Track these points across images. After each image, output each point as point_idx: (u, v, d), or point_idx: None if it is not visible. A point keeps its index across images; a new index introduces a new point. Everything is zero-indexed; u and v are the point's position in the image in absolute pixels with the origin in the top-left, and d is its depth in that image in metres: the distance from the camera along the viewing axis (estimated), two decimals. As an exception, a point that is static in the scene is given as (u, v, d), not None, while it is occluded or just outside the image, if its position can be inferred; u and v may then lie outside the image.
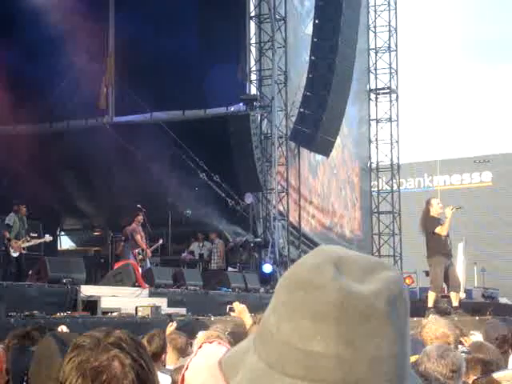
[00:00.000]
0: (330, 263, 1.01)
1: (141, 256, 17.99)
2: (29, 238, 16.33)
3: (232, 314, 7.67)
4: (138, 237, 17.98)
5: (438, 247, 12.81)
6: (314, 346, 0.98)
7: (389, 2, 30.05)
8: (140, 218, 18.17)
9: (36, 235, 17.03)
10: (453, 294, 13.31)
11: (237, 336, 7.20)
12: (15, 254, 15.76)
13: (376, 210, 30.04)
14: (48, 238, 16.87)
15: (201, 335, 6.51)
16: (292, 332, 0.99)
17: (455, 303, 13.19)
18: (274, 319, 1.01)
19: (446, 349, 4.41)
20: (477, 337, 7.51)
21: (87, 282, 14.85)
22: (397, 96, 30.08)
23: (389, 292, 1.00)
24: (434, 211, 12.83)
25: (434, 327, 5.70)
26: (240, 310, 7.43)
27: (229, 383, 1.05)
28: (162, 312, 13.90)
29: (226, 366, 1.07)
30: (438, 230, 12.74)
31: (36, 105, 22.25)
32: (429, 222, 12.90)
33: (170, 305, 14.91)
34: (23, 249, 16.07)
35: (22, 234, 16.23)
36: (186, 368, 3.10)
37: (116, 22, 23.61)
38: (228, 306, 6.86)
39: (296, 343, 0.99)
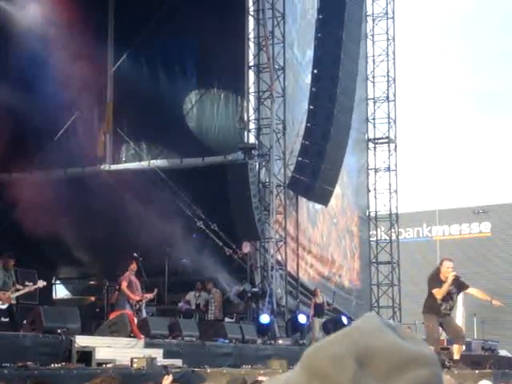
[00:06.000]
0: (353, 357, 0.89)
1: (138, 306, 17.75)
2: (21, 287, 16.06)
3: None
4: (124, 284, 17.58)
5: (433, 307, 12.87)
6: None
7: (387, 53, 30.24)
8: (133, 266, 17.90)
9: (31, 284, 16.78)
10: (455, 347, 13.17)
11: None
12: (3, 306, 15.43)
13: (375, 260, 29.87)
14: (41, 283, 16.54)
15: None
16: None
17: (456, 356, 13.00)
18: None
19: None
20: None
21: (82, 332, 14.62)
22: (395, 146, 30.12)
23: None
24: (442, 274, 12.80)
25: None
26: None
27: None
28: (158, 363, 13.68)
29: None
30: (435, 291, 12.79)
31: (33, 153, 22.23)
32: (432, 281, 12.92)
33: (165, 356, 14.68)
34: (13, 299, 15.78)
35: (8, 285, 15.90)
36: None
37: (115, 71, 23.72)
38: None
39: None
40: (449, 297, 12.82)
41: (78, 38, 20.31)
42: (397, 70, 30.43)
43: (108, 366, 13.16)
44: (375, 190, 30.11)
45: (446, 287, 12.70)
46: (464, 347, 14.11)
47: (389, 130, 29.97)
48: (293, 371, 0.97)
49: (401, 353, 0.90)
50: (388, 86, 30.19)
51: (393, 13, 30.56)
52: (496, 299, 13.15)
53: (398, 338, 0.92)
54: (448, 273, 12.77)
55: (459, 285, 12.98)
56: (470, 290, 13.28)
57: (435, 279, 12.89)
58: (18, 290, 15.94)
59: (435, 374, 0.89)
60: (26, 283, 16.52)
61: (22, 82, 21.76)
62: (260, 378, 6.98)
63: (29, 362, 11.78)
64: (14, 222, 20.60)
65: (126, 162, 23.76)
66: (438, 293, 12.72)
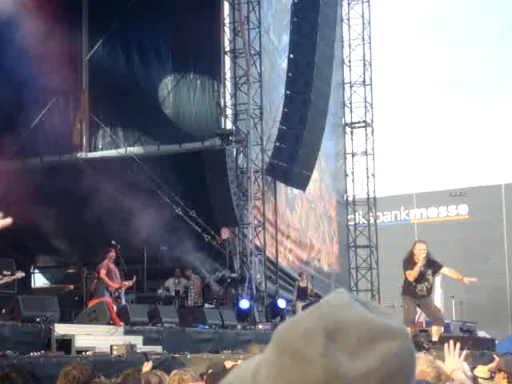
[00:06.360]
0: (323, 331, 0.89)
1: (117, 293, 17.73)
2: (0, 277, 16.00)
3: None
4: (103, 272, 17.61)
5: (409, 289, 13.08)
6: None
7: (363, 37, 30.21)
8: (112, 254, 17.89)
9: (9, 273, 16.71)
10: (434, 328, 13.30)
11: (213, 375, 7.04)
12: None
13: (353, 244, 29.95)
14: (20, 274, 16.51)
15: (172, 376, 6.33)
16: None
17: (435, 338, 13.09)
18: (264, 375, 0.93)
19: None
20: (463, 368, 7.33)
21: (61, 321, 14.57)
22: (372, 130, 30.14)
23: (383, 370, 0.88)
24: (415, 256, 12.98)
25: None
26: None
27: None
28: (138, 350, 13.65)
29: None
30: (407, 273, 12.99)
31: (9, 141, 22.04)
32: (406, 264, 13.15)
33: (145, 343, 14.66)
34: None
35: None
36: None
37: (90, 57, 23.60)
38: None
39: None
40: (423, 278, 12.96)
41: (52, 25, 20.13)
42: (373, 54, 30.48)
43: (88, 353, 13.13)
44: (353, 174, 30.14)
45: (416, 269, 12.88)
46: (443, 329, 14.22)
47: (365, 114, 29.99)
48: (266, 349, 0.98)
49: (370, 326, 0.91)
50: (364, 70, 30.17)
51: (368, -3, 30.51)
52: (468, 276, 13.33)
53: (368, 312, 0.93)
54: (420, 255, 12.94)
55: (432, 265, 13.12)
56: (443, 270, 13.43)
57: (409, 262, 13.10)
58: (-4, 280, 15.89)
59: (405, 346, 0.90)
60: (4, 272, 16.46)
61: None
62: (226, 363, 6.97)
63: (8, 351, 11.74)
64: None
65: (102, 149, 23.67)
66: (410, 274, 12.92)
